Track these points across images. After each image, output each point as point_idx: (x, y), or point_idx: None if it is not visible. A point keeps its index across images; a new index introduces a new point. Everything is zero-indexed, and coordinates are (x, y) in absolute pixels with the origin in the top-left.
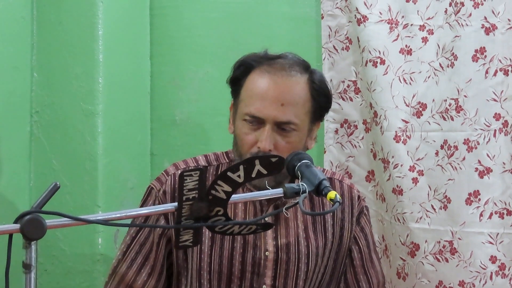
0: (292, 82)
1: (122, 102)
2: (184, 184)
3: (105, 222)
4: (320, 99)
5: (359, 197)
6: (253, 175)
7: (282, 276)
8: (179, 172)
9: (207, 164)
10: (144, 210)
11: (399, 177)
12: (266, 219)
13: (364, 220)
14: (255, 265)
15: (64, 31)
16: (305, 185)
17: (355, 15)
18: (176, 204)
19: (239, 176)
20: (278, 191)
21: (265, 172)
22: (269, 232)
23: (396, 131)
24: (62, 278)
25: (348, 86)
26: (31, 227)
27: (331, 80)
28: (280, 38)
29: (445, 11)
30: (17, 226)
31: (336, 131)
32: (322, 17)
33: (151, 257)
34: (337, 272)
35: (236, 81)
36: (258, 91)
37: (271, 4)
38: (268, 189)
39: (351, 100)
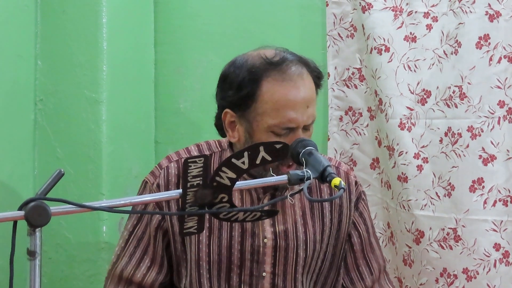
0: (306, 82)
1: (126, 90)
2: (189, 171)
3: (110, 209)
4: (318, 83)
5: (356, 182)
6: (258, 162)
7: (282, 263)
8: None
9: (199, 153)
10: (149, 197)
11: (404, 164)
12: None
13: (362, 205)
14: (254, 253)
15: (68, 19)
16: (309, 171)
17: (359, 2)
18: (180, 190)
19: (243, 162)
20: (282, 178)
21: (269, 158)
22: (267, 219)
23: (401, 119)
24: (66, 266)
25: (353, 73)
26: (36, 214)
27: (335, 68)
28: (285, 25)
29: None
30: (22, 213)
31: (341, 119)
32: (327, 5)
33: (150, 250)
34: (337, 258)
35: (246, 96)
36: (284, 102)
37: None
38: (273, 175)
39: (356, 87)
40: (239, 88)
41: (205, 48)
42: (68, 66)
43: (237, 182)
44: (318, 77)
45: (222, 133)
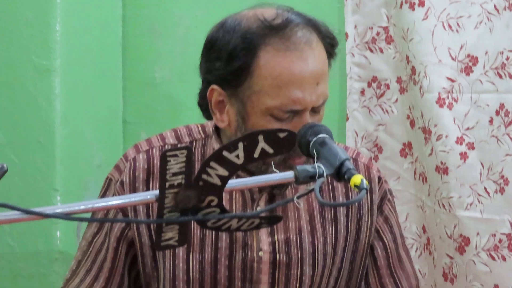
0: (316, 52)
1: (85, 55)
2: (168, 167)
3: (66, 217)
4: (331, 52)
5: (379, 178)
6: (256, 155)
7: (282, 283)
8: (157, 151)
9: (176, 142)
10: (116, 201)
11: (444, 151)
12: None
13: (388, 208)
14: (246, 270)
15: None
16: (322, 167)
17: None
18: (156, 192)
19: (237, 156)
20: (288, 175)
21: (271, 151)
22: None
23: (439, 93)
24: (9, 283)
25: (377, 34)
26: None
27: (355, 26)
28: None
29: None
30: None
31: (362, 92)
32: None
33: (105, 266)
34: (356, 276)
35: (238, 70)
36: (288, 78)
37: None
38: (275, 172)
39: (382, 51)
40: (230, 58)
41: (186, 0)
42: (11, 25)
43: (232, 181)
44: (331, 45)
45: (208, 115)
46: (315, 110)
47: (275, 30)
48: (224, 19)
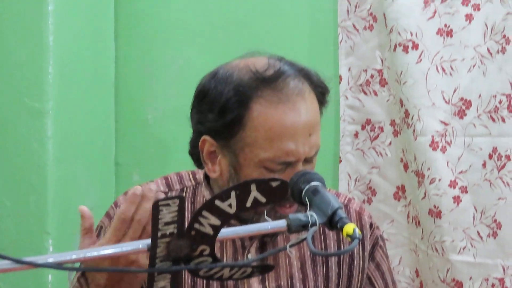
0: (308, 102)
1: (78, 97)
2: (159, 217)
3: (58, 266)
4: (322, 100)
5: (371, 224)
6: (248, 204)
7: None
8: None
9: (167, 189)
10: (108, 250)
11: (437, 195)
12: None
13: (380, 254)
14: None
15: (3, 6)
16: (314, 215)
17: None
18: (148, 241)
19: (230, 205)
20: (279, 224)
21: (263, 200)
22: None
23: (432, 136)
24: None
25: (372, 76)
26: None
27: (349, 69)
28: (283, 13)
29: None
30: None
31: (356, 135)
32: None
33: None
34: None
35: (231, 123)
36: (280, 130)
37: None
38: (267, 220)
39: (376, 94)
40: (223, 111)
41: (181, 42)
42: (4, 67)
43: (225, 230)
44: (322, 93)
45: (199, 164)
46: (307, 160)
47: (267, 81)
48: (216, 69)
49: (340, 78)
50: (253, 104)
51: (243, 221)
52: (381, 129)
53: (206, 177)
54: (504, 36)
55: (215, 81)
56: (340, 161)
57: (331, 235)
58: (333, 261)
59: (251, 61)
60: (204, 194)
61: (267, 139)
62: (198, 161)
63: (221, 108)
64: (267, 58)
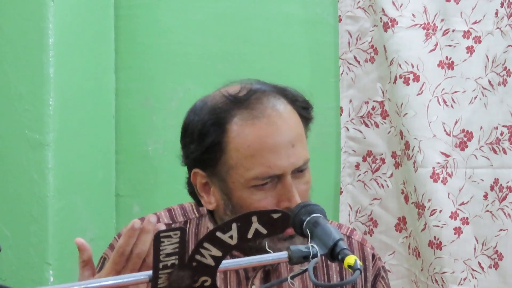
0: (285, 115)
1: (78, 129)
2: (161, 248)
3: None
4: (305, 115)
5: (373, 256)
6: (249, 236)
7: None
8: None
9: (170, 221)
10: (110, 281)
11: (438, 226)
12: None
13: (382, 285)
14: None
15: (4, 38)
16: (316, 247)
17: (381, 17)
18: (149, 272)
19: (231, 237)
20: (281, 255)
21: (265, 231)
22: None
23: (433, 168)
24: None
25: (373, 108)
26: None
27: (350, 101)
28: (283, 45)
29: (496, 14)
30: None
31: (357, 166)
32: (340, 20)
33: None
34: None
35: (211, 147)
36: (260, 145)
37: (273, 2)
38: (269, 252)
39: (377, 126)
40: (201, 137)
41: (180, 74)
42: (4, 99)
43: (226, 261)
44: (304, 108)
45: (199, 202)
46: (297, 175)
47: (240, 102)
48: (195, 103)
49: (341, 110)
50: (229, 125)
51: (245, 251)
52: (383, 160)
53: (211, 212)
54: (505, 68)
55: (193, 113)
56: (341, 192)
57: (334, 266)
58: None
59: (225, 89)
60: (208, 226)
61: (248, 157)
62: (197, 199)
63: (199, 135)
64: (239, 83)
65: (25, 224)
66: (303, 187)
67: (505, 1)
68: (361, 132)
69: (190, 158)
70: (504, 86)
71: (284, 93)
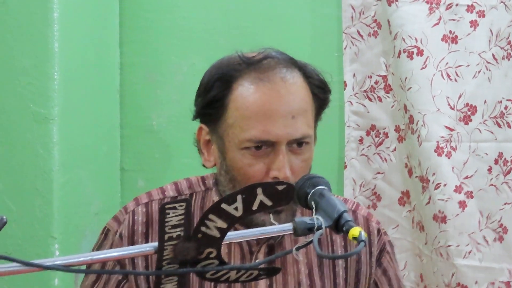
0: (294, 86)
1: (83, 103)
2: (166, 220)
3: (65, 268)
4: (321, 95)
5: (379, 230)
6: (254, 207)
7: None
8: (156, 204)
9: (176, 194)
10: (115, 253)
11: (442, 200)
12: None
13: (387, 260)
14: None
15: (9, 13)
16: (320, 219)
17: None
18: (155, 244)
19: (236, 208)
20: (286, 227)
21: (269, 203)
22: (262, 280)
23: (437, 141)
24: None
25: (376, 82)
26: None
27: (354, 75)
28: (287, 20)
29: None
30: None
31: (361, 140)
32: None
33: None
34: None
35: (214, 103)
36: (259, 108)
37: None
38: (273, 223)
39: (380, 100)
40: (206, 90)
41: (185, 48)
42: (9, 73)
43: (231, 233)
44: (321, 87)
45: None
46: (294, 150)
47: (252, 64)
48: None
49: (345, 84)
50: (235, 84)
51: (248, 225)
52: (386, 135)
53: (216, 182)
54: (509, 42)
55: (209, 68)
56: (345, 167)
57: (338, 241)
58: (340, 267)
59: (246, 52)
60: (214, 199)
61: (245, 118)
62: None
63: (205, 88)
64: (263, 49)
65: (30, 198)
66: (299, 164)
67: None
68: (364, 106)
69: (196, 111)
70: (508, 60)
71: (301, 67)
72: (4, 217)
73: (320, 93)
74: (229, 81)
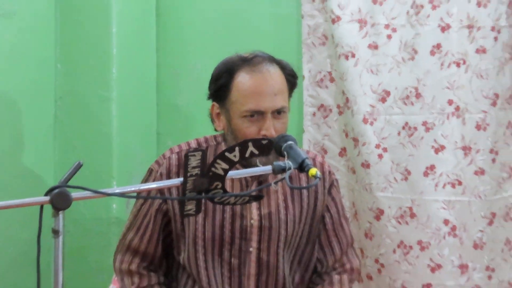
0: (274, 74)
1: (132, 89)
2: (189, 163)
3: (121, 195)
4: (292, 81)
5: (329, 172)
6: (247, 155)
7: (266, 240)
8: (183, 153)
9: (197, 146)
10: (154, 185)
11: (367, 153)
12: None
13: (335, 191)
14: (243, 232)
15: (83, 29)
16: (290, 163)
17: (330, 15)
18: (181, 179)
19: (235, 156)
20: (267, 168)
21: (256, 152)
22: (254, 203)
23: (364, 114)
24: (82, 238)
25: (324, 76)
26: (59, 199)
27: (309, 71)
28: (266, 34)
29: (407, 13)
30: (47, 198)
31: (314, 114)
32: (303, 17)
33: (150, 227)
34: (312, 235)
35: (222, 87)
36: (252, 89)
37: (258, 5)
38: (259, 166)
39: (327, 88)
40: (217, 79)
41: (199, 53)
42: (83, 69)
43: (231, 172)
44: (291, 75)
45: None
46: (276, 116)
47: (247, 61)
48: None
49: (303, 77)
50: (236, 74)
51: (245, 166)
52: (331, 110)
53: (224, 139)
54: (413, 49)
55: (217, 66)
56: (304, 132)
57: (304, 178)
58: (304, 195)
59: (241, 53)
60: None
61: (243, 96)
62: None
63: (216, 78)
64: (252, 51)
65: (97, 152)
66: (279, 126)
67: (414, 4)
68: (316, 92)
69: (210, 93)
70: (412, 60)
71: (278, 62)
72: (81, 161)
73: (291, 79)
74: (232, 73)
